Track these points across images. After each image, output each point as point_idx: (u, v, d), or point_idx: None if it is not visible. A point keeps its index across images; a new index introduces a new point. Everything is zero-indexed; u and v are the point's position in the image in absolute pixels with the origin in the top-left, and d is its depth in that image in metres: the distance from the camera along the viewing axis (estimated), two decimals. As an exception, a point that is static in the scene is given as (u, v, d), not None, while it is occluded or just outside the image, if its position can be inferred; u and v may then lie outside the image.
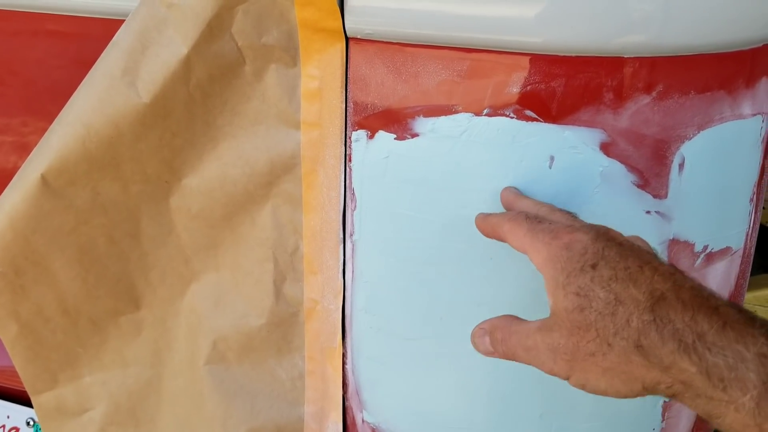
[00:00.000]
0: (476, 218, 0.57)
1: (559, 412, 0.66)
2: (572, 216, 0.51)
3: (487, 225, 0.55)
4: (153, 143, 0.62)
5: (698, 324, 0.39)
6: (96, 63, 0.60)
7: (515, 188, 0.58)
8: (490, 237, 0.55)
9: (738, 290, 0.69)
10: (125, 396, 0.77)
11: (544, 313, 0.61)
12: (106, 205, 0.65)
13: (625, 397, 0.43)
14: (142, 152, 0.62)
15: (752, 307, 2.02)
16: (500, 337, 0.49)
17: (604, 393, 0.43)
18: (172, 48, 0.58)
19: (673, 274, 0.42)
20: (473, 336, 0.52)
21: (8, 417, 0.91)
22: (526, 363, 0.47)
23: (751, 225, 0.66)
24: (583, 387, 0.44)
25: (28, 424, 0.90)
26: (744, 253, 0.67)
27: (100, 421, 0.78)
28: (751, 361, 0.37)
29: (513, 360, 0.48)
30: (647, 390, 0.41)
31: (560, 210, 0.52)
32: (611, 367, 0.42)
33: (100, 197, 0.65)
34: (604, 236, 0.45)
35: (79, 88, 0.60)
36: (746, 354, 0.37)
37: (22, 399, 0.91)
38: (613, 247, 0.44)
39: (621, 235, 0.47)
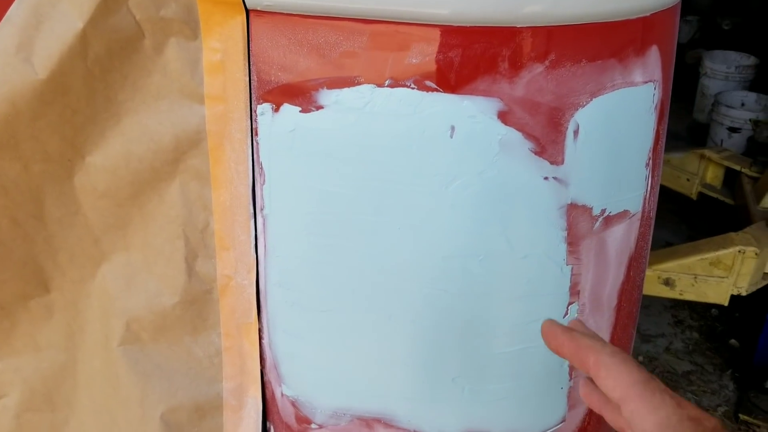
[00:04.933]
0: (548, 327, 0.50)
1: (470, 375, 0.68)
2: None
3: (565, 342, 0.48)
4: (53, 121, 0.61)
5: None
6: (-13, 39, 0.58)
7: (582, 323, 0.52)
8: (560, 353, 0.49)
9: (639, 252, 0.71)
10: (40, 381, 0.76)
11: (454, 279, 0.63)
12: (6, 186, 0.64)
13: None
14: (41, 130, 0.61)
15: (676, 276, 2.11)
16: None
17: None
18: (67, 22, 0.57)
19: None
20: None
21: None
22: None
23: (649, 189, 0.69)
24: None
25: (-59, 415, 0.88)
26: (643, 216, 0.69)
27: (15, 407, 0.77)
28: None
29: None
30: None
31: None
32: None
33: (0, 178, 0.63)
34: (725, 426, 0.44)
35: (-31, 65, 0.58)
36: None
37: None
38: None
39: None
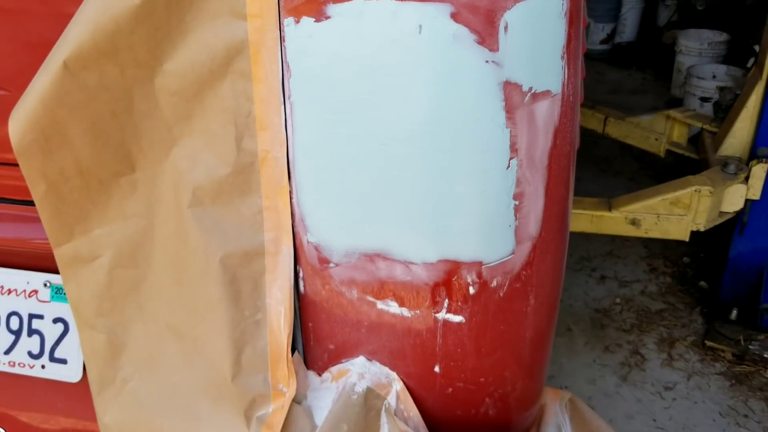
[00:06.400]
0: None
1: (443, 213, 0.94)
2: None
3: None
4: (142, 35, 0.87)
5: None
6: (99, -21, 0.85)
7: None
8: None
9: (563, 127, 0.97)
10: (127, 243, 1.02)
11: (427, 140, 0.89)
12: (108, 85, 0.90)
13: None
14: (134, 42, 0.88)
15: (641, 216, 2.36)
16: None
17: None
18: (154, -37, 0.83)
19: None
20: None
21: (28, 282, 1.14)
22: None
23: (566, 77, 0.95)
24: None
25: (45, 285, 1.14)
26: (563, 97, 0.96)
27: (108, 265, 1.03)
28: None
29: None
30: None
31: None
32: None
33: (105, 79, 0.90)
34: None
35: (88, -5, 0.85)
36: None
37: (37, 268, 1.14)
38: None
39: None
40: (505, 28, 0.86)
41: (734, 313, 2.60)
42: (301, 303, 1.07)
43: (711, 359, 2.48)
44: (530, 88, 0.91)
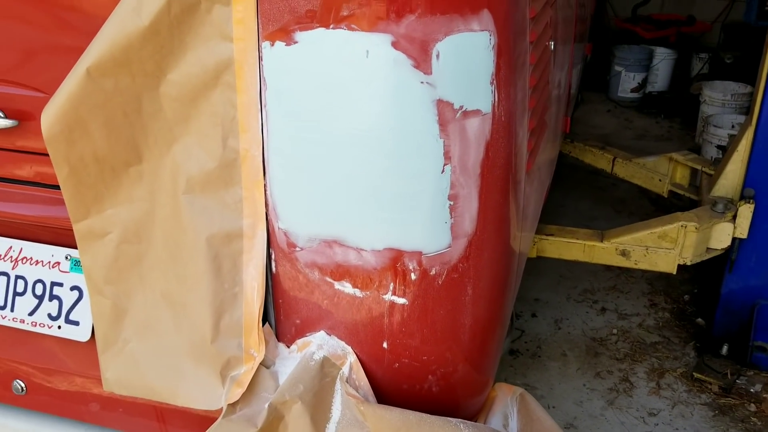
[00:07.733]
0: None
1: (390, 208, 1.13)
2: None
3: None
4: (149, 51, 1.10)
5: None
6: (118, 5, 1.08)
7: None
8: None
9: (495, 142, 1.16)
10: (132, 223, 1.24)
11: (376, 145, 1.08)
12: (122, 90, 1.13)
13: None
14: (143, 56, 1.10)
15: (631, 248, 2.49)
16: None
17: None
18: (160, -6, 1.06)
19: None
20: None
21: (52, 255, 1.37)
22: None
23: (497, 99, 1.14)
24: None
25: (66, 258, 1.36)
26: (494, 117, 1.14)
27: (117, 240, 1.25)
28: None
29: None
30: None
31: None
32: None
33: (119, 84, 1.12)
34: None
35: (109, 18, 1.08)
36: None
37: (61, 243, 1.37)
38: None
39: None
40: (437, 55, 1.05)
41: (725, 348, 2.69)
42: (273, 281, 1.26)
43: (698, 390, 2.57)
44: (461, 107, 1.10)
